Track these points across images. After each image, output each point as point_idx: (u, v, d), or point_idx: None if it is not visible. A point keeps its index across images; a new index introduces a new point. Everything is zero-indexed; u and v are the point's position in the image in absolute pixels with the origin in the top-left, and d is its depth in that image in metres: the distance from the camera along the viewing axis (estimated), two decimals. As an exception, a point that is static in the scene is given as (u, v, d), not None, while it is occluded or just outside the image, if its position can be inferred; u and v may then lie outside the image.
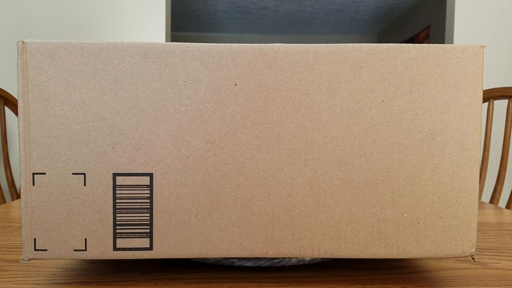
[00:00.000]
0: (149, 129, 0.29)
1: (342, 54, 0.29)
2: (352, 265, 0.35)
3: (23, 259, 0.29)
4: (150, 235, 0.29)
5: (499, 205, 2.04)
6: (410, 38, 3.92)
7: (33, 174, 0.28)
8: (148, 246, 0.29)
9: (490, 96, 1.05)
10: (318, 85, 0.29)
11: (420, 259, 0.37)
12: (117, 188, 0.29)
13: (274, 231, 0.29)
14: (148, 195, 0.29)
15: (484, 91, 1.08)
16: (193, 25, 4.77)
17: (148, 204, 0.29)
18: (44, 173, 0.28)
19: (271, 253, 0.30)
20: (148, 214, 0.29)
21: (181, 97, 0.29)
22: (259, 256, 0.30)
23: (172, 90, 0.29)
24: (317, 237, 0.30)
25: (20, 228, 0.47)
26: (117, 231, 0.29)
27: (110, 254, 0.29)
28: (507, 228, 0.50)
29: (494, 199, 0.96)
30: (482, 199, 1.95)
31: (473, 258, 0.30)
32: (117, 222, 0.29)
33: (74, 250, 0.29)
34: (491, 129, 1.03)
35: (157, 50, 0.28)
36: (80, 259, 0.36)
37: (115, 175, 0.29)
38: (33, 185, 0.28)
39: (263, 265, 0.33)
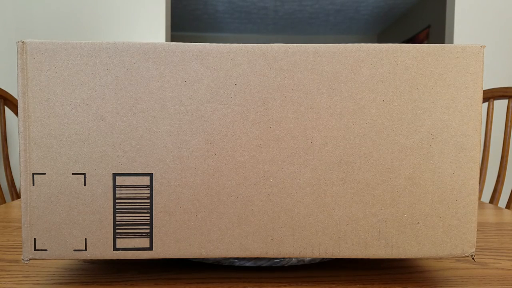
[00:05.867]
0: (149, 129, 0.29)
1: (342, 54, 0.29)
2: (352, 265, 0.35)
3: (23, 259, 0.29)
4: (150, 235, 0.29)
5: (499, 205, 2.04)
6: (410, 38, 3.92)
7: (33, 174, 0.28)
8: (148, 246, 0.29)
9: (490, 96, 1.05)
10: (318, 85, 0.29)
11: (420, 259, 0.37)
12: (117, 188, 0.29)
13: (274, 231, 0.29)
14: (148, 195, 0.29)
15: (484, 91, 1.08)
16: (193, 25, 4.77)
17: (148, 204, 0.29)
18: (44, 173, 0.28)
19: (271, 253, 0.30)
20: (148, 214, 0.29)
21: (181, 97, 0.29)
22: (259, 256, 0.30)
23: (172, 90, 0.29)
24: (317, 237, 0.30)
25: (20, 228, 0.47)
26: (117, 231, 0.29)
27: (110, 254, 0.29)
28: (507, 228, 0.50)
29: (494, 199, 0.96)
30: (482, 199, 1.95)
31: (473, 258, 0.30)
32: (117, 222, 0.29)
33: (74, 250, 0.29)
34: (491, 129, 1.03)
35: (157, 50, 0.28)
36: (80, 259, 0.35)
37: (115, 175, 0.29)
38: (33, 185, 0.28)
39: (263, 265, 0.33)
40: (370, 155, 0.29)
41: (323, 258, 0.33)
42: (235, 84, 0.29)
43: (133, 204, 0.29)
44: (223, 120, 0.29)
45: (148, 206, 0.29)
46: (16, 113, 1.17)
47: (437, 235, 0.30)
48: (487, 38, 1.98)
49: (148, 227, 0.29)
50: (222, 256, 0.30)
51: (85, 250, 0.29)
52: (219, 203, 0.29)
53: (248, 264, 0.33)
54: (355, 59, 0.29)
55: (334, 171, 0.29)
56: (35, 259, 0.29)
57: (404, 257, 0.30)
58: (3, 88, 1.82)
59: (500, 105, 1.94)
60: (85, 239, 0.29)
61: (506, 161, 0.98)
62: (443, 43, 2.84)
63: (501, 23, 1.97)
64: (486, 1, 1.97)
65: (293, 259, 0.33)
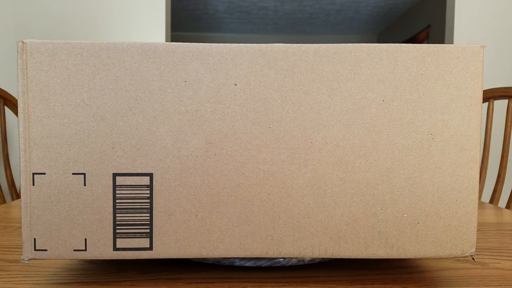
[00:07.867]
0: (149, 129, 0.29)
1: (342, 54, 0.29)
2: (352, 265, 0.35)
3: (23, 259, 0.29)
4: (150, 235, 0.29)
5: (499, 205, 2.04)
6: (410, 38, 3.92)
7: (33, 174, 0.28)
8: (148, 246, 0.29)
9: (490, 96, 1.05)
10: (318, 85, 0.29)
11: (420, 259, 0.37)
12: (117, 188, 0.29)
13: (274, 231, 0.29)
14: (148, 195, 0.29)
15: (484, 91, 1.08)
16: (193, 25, 4.77)
17: (148, 204, 0.29)
18: (44, 173, 0.28)
19: (271, 253, 0.30)
20: (148, 214, 0.29)
21: (181, 97, 0.29)
22: (259, 256, 0.30)
23: (172, 90, 0.29)
24: (317, 237, 0.30)
25: (20, 228, 0.47)
26: (117, 231, 0.29)
27: (110, 254, 0.29)
28: (507, 228, 0.50)
29: (494, 199, 0.96)
30: (482, 199, 1.95)
31: (473, 258, 0.30)
32: (117, 222, 0.29)
33: (74, 250, 0.29)
34: (491, 129, 1.03)
35: (157, 50, 0.28)
36: (80, 259, 0.36)
37: (115, 175, 0.29)
38: (33, 185, 0.28)
39: (263, 265, 0.33)
40: (370, 155, 0.29)
41: (323, 258, 0.33)
42: (235, 84, 0.29)
43: (133, 204, 0.29)
44: (223, 120, 0.29)
45: (148, 206, 0.29)
46: (16, 113, 1.17)
47: (437, 235, 0.30)
48: (487, 38, 1.98)
49: (148, 227, 0.29)
50: (222, 256, 0.30)
51: (85, 250, 0.29)
52: (219, 203, 0.29)
53: (248, 264, 0.33)
54: (355, 59, 0.29)
55: (334, 171, 0.29)
56: (35, 259, 0.29)
57: (404, 257, 0.30)
58: (3, 88, 1.82)
59: (500, 105, 1.94)
60: (85, 239, 0.29)
61: (506, 161, 0.98)
62: (443, 43, 2.84)
63: (501, 23, 1.97)
64: (486, 1, 1.97)
65: (293, 259, 0.33)
